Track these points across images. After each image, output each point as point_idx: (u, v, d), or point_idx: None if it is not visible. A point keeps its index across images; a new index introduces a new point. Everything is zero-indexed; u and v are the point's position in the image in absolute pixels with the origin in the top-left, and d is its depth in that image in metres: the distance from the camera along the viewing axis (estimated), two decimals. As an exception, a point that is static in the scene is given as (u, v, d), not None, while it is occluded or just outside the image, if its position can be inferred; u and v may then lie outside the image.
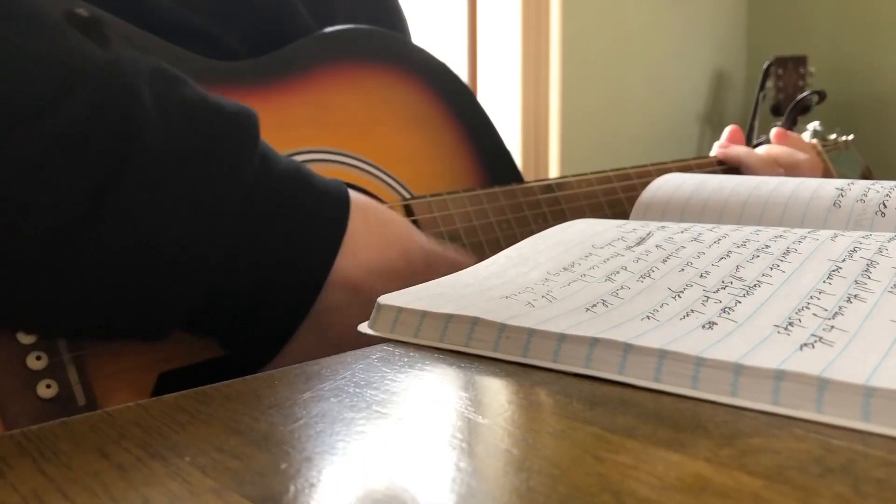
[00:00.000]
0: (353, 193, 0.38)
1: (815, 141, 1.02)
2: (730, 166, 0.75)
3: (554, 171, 2.06)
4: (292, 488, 0.17)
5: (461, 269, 0.39)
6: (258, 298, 0.34)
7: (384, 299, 0.30)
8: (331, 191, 0.37)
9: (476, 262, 0.40)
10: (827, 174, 0.93)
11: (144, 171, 0.30)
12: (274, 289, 0.35)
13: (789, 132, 0.79)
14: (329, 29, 0.53)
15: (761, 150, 0.76)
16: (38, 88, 0.29)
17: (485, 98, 2.04)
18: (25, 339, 0.33)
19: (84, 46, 0.31)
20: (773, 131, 0.79)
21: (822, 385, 0.19)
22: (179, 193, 0.31)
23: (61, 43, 0.30)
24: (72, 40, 0.31)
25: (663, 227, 0.36)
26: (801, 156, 0.75)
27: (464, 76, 2.03)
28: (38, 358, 0.33)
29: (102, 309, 0.31)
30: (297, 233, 0.35)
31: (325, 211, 0.36)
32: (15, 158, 0.28)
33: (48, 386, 0.33)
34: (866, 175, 1.09)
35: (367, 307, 0.36)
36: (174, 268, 0.31)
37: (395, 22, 0.64)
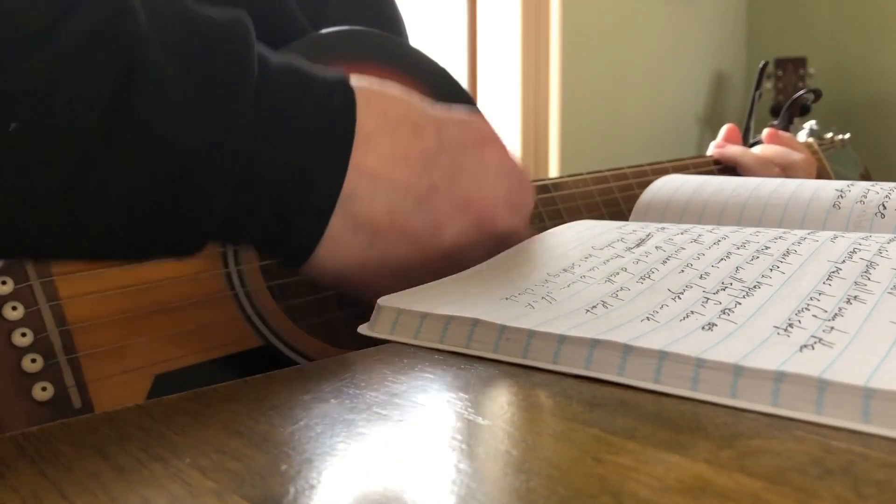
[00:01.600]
0: (353, 78, 0.39)
1: (811, 140, 1.02)
2: (726, 166, 0.76)
3: (554, 172, 2.06)
4: (292, 490, 0.17)
5: (469, 128, 0.40)
6: (285, 192, 0.35)
7: (384, 301, 0.30)
8: (332, 81, 0.37)
9: (486, 122, 0.41)
10: (822, 173, 0.93)
11: (152, 82, 0.30)
12: (300, 177, 0.35)
13: (781, 132, 0.79)
14: (324, 30, 0.53)
15: (756, 150, 0.76)
16: (36, 11, 0.29)
17: (485, 98, 2.05)
18: (20, 339, 0.33)
19: None
20: (765, 132, 0.80)
21: (821, 386, 0.19)
22: (190, 98, 0.31)
23: None
24: None
25: (663, 228, 0.36)
26: (796, 155, 0.75)
27: (464, 76, 2.03)
28: (34, 360, 0.33)
29: (133, 225, 0.32)
30: (310, 123, 0.35)
31: (331, 101, 0.36)
32: (24, 84, 0.28)
33: (44, 388, 0.33)
34: (865, 176, 1.09)
35: (389, 193, 0.37)
36: (199, 169, 0.32)
37: (391, 23, 0.64)
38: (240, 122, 0.33)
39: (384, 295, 0.32)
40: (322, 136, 0.36)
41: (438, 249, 0.39)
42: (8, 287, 0.33)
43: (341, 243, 0.37)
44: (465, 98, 0.59)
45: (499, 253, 0.40)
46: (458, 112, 0.42)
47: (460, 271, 0.39)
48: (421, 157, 0.38)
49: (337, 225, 0.36)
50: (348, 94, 0.37)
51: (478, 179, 0.40)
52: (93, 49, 0.29)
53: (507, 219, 0.41)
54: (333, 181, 0.36)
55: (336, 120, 0.36)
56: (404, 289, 0.33)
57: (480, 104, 0.61)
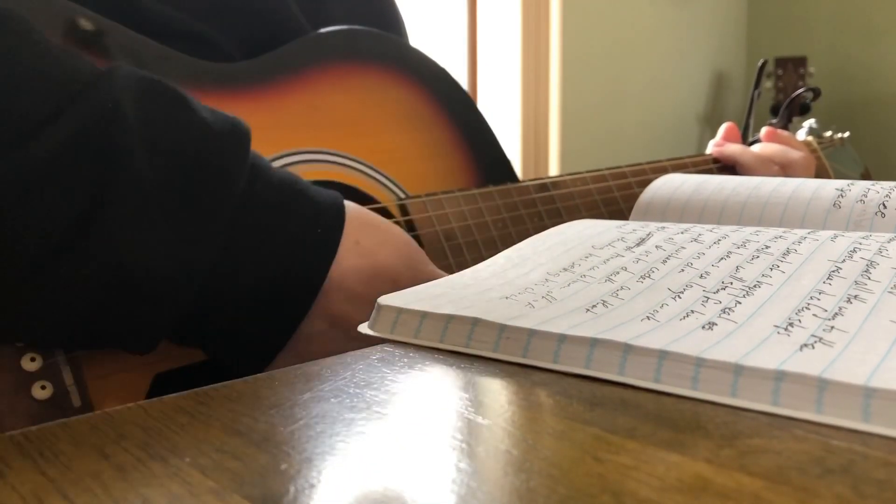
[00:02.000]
0: (350, 208, 0.37)
1: (810, 138, 1.02)
2: (725, 164, 0.75)
3: (554, 172, 2.06)
4: (292, 489, 0.17)
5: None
6: (241, 320, 0.34)
7: (384, 300, 0.30)
8: (324, 208, 0.36)
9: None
10: (822, 171, 0.93)
11: (128, 199, 0.30)
12: (257, 311, 0.34)
13: (779, 131, 0.79)
14: (323, 30, 0.53)
15: (756, 149, 0.76)
16: (23, 110, 0.29)
17: (485, 99, 2.04)
18: (20, 343, 0.33)
19: (72, 63, 0.31)
20: (763, 130, 0.80)
21: (821, 386, 0.19)
22: (164, 219, 0.31)
23: (47, 61, 0.30)
24: (59, 58, 0.30)
25: (663, 227, 0.36)
26: (794, 153, 0.75)
27: (464, 77, 2.03)
28: (33, 359, 0.33)
29: (89, 326, 0.32)
30: (284, 255, 0.34)
31: (315, 231, 0.35)
32: (5, 178, 0.28)
33: (43, 387, 0.33)
34: (865, 175, 1.09)
35: (347, 336, 0.35)
36: (158, 290, 0.31)
37: (391, 23, 0.64)
38: (207, 247, 0.32)
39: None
40: (294, 270, 0.34)
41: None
42: (8, 286, 0.33)
43: (279, 365, 0.36)
44: (464, 98, 0.59)
45: None
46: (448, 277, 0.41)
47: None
48: None
49: (281, 360, 0.36)
50: (336, 228, 0.35)
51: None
52: (73, 155, 0.29)
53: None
54: (290, 321, 0.35)
55: (314, 255, 0.35)
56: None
57: (480, 106, 0.61)
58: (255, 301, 0.34)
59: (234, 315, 0.34)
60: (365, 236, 0.37)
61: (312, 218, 0.35)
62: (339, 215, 0.36)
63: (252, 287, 0.34)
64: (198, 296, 0.32)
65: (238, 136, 0.34)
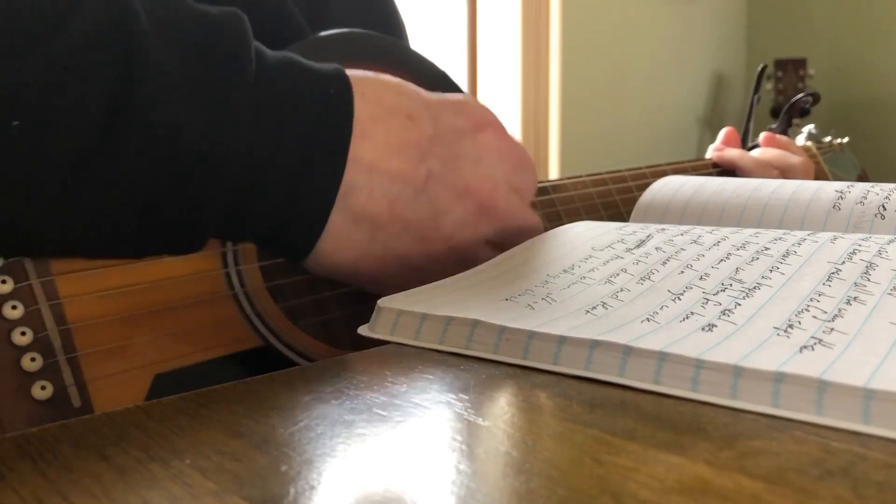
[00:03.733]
0: (348, 70, 0.39)
1: (809, 143, 1.02)
2: (724, 169, 0.76)
3: (554, 173, 2.06)
4: (292, 491, 0.17)
5: (465, 112, 0.40)
6: (284, 187, 0.35)
7: (384, 302, 0.30)
8: (328, 74, 0.37)
9: (482, 105, 0.41)
10: (821, 176, 0.93)
11: (153, 81, 0.31)
12: (300, 172, 0.35)
13: (778, 136, 0.80)
14: (324, 32, 0.53)
15: (755, 154, 0.77)
16: (40, 11, 0.29)
17: (485, 99, 2.05)
18: (20, 338, 0.33)
19: None
20: (762, 135, 0.80)
21: (821, 387, 0.19)
22: (190, 96, 0.31)
23: None
24: None
25: (663, 229, 0.36)
26: (794, 158, 0.75)
27: (464, 78, 2.03)
28: (33, 359, 0.33)
29: (136, 223, 0.32)
30: (308, 117, 0.35)
31: (328, 94, 0.36)
32: (28, 82, 0.28)
33: (43, 387, 0.33)
34: (862, 177, 1.09)
35: (388, 183, 0.37)
36: (200, 168, 0.32)
37: (391, 25, 0.64)
38: (239, 115, 0.33)
39: (390, 285, 0.31)
40: (319, 130, 0.36)
41: (440, 238, 0.39)
42: (8, 286, 0.33)
43: (343, 237, 0.37)
44: None
45: (503, 237, 0.40)
46: (452, 97, 0.42)
47: (463, 259, 0.39)
48: (416, 145, 0.37)
49: (337, 219, 0.36)
50: (344, 86, 0.37)
51: (475, 165, 0.39)
52: (94, 47, 0.30)
53: (508, 202, 0.40)
54: (332, 175, 0.36)
55: (333, 113, 0.36)
56: (409, 279, 0.33)
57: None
58: (296, 163, 0.35)
59: (279, 180, 0.34)
60: (368, 88, 0.38)
61: (322, 84, 0.36)
62: (344, 78, 0.38)
63: (289, 150, 0.34)
64: (241, 168, 0.33)
65: (239, 21, 0.35)
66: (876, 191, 0.41)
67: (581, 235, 0.37)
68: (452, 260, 0.39)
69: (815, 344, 0.22)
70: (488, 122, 0.41)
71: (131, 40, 0.30)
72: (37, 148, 0.29)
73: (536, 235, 0.39)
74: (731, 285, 0.28)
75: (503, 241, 0.41)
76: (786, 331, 0.23)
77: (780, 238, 0.32)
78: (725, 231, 0.34)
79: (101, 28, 0.30)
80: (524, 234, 0.40)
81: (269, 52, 0.36)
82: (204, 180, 0.32)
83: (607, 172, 0.64)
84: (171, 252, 0.34)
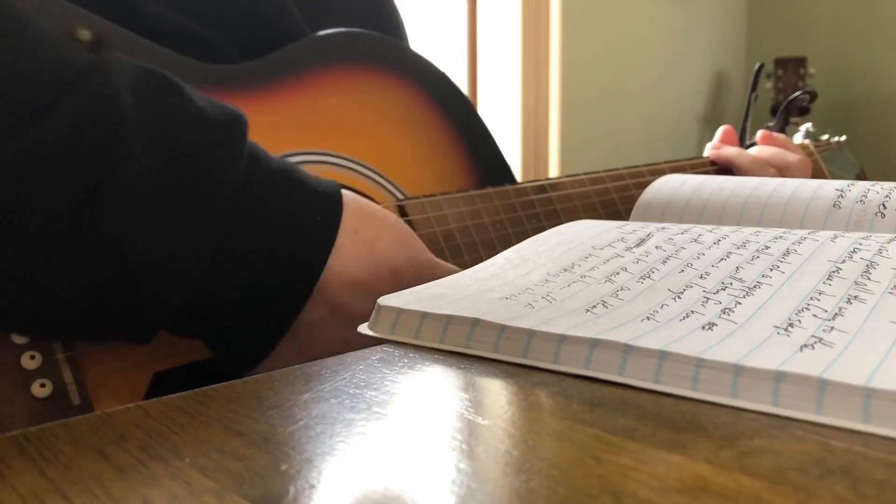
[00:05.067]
0: (348, 198, 0.37)
1: (807, 142, 1.02)
2: (722, 167, 0.76)
3: (554, 173, 2.06)
4: (292, 489, 0.17)
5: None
6: (241, 309, 0.34)
7: (384, 300, 0.30)
8: (323, 197, 0.36)
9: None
10: (818, 174, 0.93)
11: (127, 186, 0.30)
12: (257, 300, 0.34)
13: (774, 134, 0.80)
14: (322, 32, 0.53)
15: (753, 152, 0.77)
16: (21, 100, 0.29)
17: (485, 100, 2.05)
18: (18, 338, 0.33)
19: (69, 53, 0.31)
20: (759, 133, 0.80)
21: (822, 386, 0.19)
22: (162, 207, 0.31)
23: (46, 51, 0.30)
24: (57, 48, 0.31)
25: (663, 228, 0.36)
26: (791, 156, 0.75)
27: (464, 78, 2.03)
28: (33, 357, 0.33)
29: (87, 315, 0.32)
30: (283, 243, 0.34)
31: (314, 219, 0.35)
32: (4, 164, 0.28)
33: (42, 385, 0.33)
34: (861, 176, 1.09)
35: (348, 324, 0.35)
36: (157, 279, 0.31)
37: (391, 26, 0.64)
38: (206, 237, 0.32)
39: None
40: (294, 256, 0.34)
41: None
42: (8, 287, 0.33)
43: (283, 358, 0.36)
44: (463, 101, 0.59)
45: None
46: (446, 265, 0.41)
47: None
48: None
49: (286, 345, 0.36)
50: (334, 216, 0.35)
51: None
52: (72, 144, 0.29)
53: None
54: (292, 307, 0.35)
55: (313, 242, 0.35)
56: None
57: (480, 107, 0.61)
58: (256, 289, 0.34)
59: (234, 304, 0.34)
60: (364, 225, 0.37)
61: (311, 207, 0.35)
62: (338, 204, 0.36)
63: (252, 275, 0.34)
64: (198, 284, 0.32)
65: (235, 125, 0.34)
66: (876, 189, 0.41)
67: (581, 234, 0.37)
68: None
69: (815, 343, 0.22)
70: None
71: (111, 142, 0.30)
72: (2, 232, 0.28)
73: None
74: (731, 284, 0.28)
75: None
76: (786, 329, 0.23)
77: (780, 237, 0.32)
78: (726, 230, 0.34)
79: (83, 123, 0.29)
80: None
81: (267, 162, 0.35)
82: (156, 290, 0.31)
83: (605, 171, 0.64)
84: (124, 340, 0.34)
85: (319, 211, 0.35)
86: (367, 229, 0.37)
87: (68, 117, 0.29)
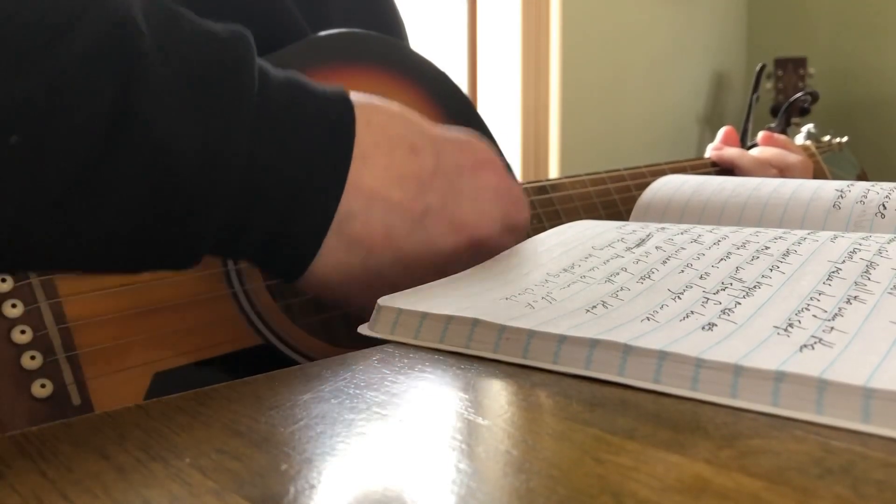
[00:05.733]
0: (355, 96, 0.39)
1: (808, 143, 1.02)
2: (723, 168, 0.76)
3: (554, 173, 2.06)
4: (292, 489, 0.17)
5: (467, 150, 0.41)
6: (282, 205, 0.35)
7: (384, 301, 0.30)
8: (333, 97, 0.37)
9: (483, 140, 0.41)
10: (820, 175, 0.93)
11: (154, 95, 0.31)
12: (296, 195, 0.35)
13: (776, 135, 0.80)
14: (322, 32, 0.53)
15: (754, 153, 0.77)
16: (39, 26, 0.29)
17: (485, 100, 2.05)
18: (19, 338, 0.33)
19: None
20: (760, 135, 0.80)
21: (821, 386, 0.19)
22: (191, 111, 0.31)
23: None
24: None
25: (663, 228, 0.36)
26: (792, 157, 0.76)
27: (464, 78, 2.03)
28: (33, 357, 0.33)
29: (133, 238, 0.32)
30: (308, 139, 0.35)
31: (330, 117, 0.37)
32: (27, 98, 0.28)
33: (42, 385, 0.33)
34: (862, 177, 1.09)
35: (385, 213, 0.37)
36: (198, 183, 0.32)
37: (391, 26, 0.64)
38: (239, 135, 0.33)
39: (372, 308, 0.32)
40: (320, 153, 0.36)
41: (432, 269, 0.39)
42: (7, 285, 0.33)
43: (335, 260, 0.37)
44: (464, 101, 0.59)
45: None
46: (456, 133, 0.42)
47: None
48: (417, 177, 0.38)
49: (332, 242, 0.36)
50: (347, 111, 0.37)
51: (473, 202, 0.40)
52: (94, 61, 0.29)
53: (500, 242, 0.41)
54: (330, 199, 0.36)
55: (335, 137, 0.36)
56: None
57: (480, 107, 0.61)
58: (293, 185, 0.35)
59: (275, 201, 0.34)
60: (373, 115, 0.38)
61: (325, 106, 0.37)
62: (348, 101, 0.38)
63: (287, 172, 0.34)
64: (238, 186, 0.33)
65: (243, 38, 0.35)
66: (876, 190, 0.41)
67: (581, 234, 0.37)
68: None
69: (815, 343, 0.22)
70: (489, 160, 0.42)
71: (132, 57, 0.30)
72: (34, 163, 0.28)
73: None
74: (731, 284, 0.28)
75: None
76: (786, 330, 0.23)
77: (780, 237, 0.32)
78: (725, 230, 0.34)
79: (103, 44, 0.30)
80: None
81: (273, 71, 0.36)
82: (201, 195, 0.32)
83: (606, 172, 0.64)
84: (167, 267, 0.34)
85: (333, 109, 0.37)
86: (377, 118, 0.38)
87: (87, 38, 0.29)
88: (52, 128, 0.29)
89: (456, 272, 0.39)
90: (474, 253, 0.40)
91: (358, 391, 0.23)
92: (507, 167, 0.44)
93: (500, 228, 0.41)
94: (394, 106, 0.40)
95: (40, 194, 0.29)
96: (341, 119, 0.37)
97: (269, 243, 0.36)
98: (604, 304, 0.28)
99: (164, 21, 0.33)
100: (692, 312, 0.26)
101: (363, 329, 0.30)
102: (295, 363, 0.40)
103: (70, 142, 0.29)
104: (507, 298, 0.29)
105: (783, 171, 0.74)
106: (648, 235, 0.35)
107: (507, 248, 0.41)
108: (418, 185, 0.38)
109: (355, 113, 0.37)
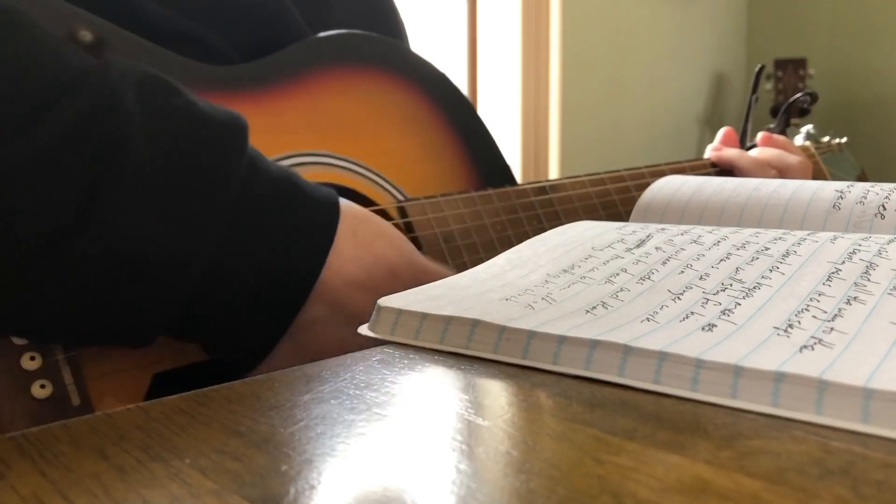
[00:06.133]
0: (345, 204, 0.38)
1: (807, 143, 1.02)
2: (723, 169, 0.76)
3: (554, 174, 2.06)
4: (292, 490, 0.17)
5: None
6: (241, 308, 0.35)
7: (384, 301, 0.30)
8: (320, 201, 0.37)
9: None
10: (819, 176, 0.93)
11: (129, 184, 0.30)
12: (257, 300, 0.35)
13: (775, 136, 0.80)
14: (323, 34, 0.53)
15: (753, 153, 0.77)
16: (22, 101, 0.29)
17: (485, 101, 2.05)
18: (18, 340, 0.33)
19: (71, 56, 0.31)
20: (759, 135, 0.80)
21: (821, 387, 0.19)
22: (164, 205, 0.31)
23: (47, 53, 0.30)
24: (58, 50, 0.31)
25: (663, 229, 0.36)
26: (792, 158, 0.76)
27: (464, 79, 2.03)
28: (33, 358, 0.33)
29: (87, 318, 0.32)
30: (283, 244, 0.35)
31: (313, 222, 0.36)
32: (6, 166, 0.28)
33: (42, 386, 0.33)
34: (861, 177, 1.09)
35: (347, 323, 0.36)
36: (158, 278, 0.31)
37: (392, 27, 0.64)
38: (206, 240, 0.32)
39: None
40: (294, 258, 0.35)
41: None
42: (8, 287, 0.33)
43: (282, 361, 0.36)
44: (464, 103, 0.59)
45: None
46: (440, 269, 0.42)
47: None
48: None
49: (285, 346, 0.36)
50: (332, 220, 0.36)
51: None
52: (75, 141, 0.29)
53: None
54: (290, 309, 0.35)
55: (313, 243, 0.36)
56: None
57: (480, 108, 0.61)
58: (255, 289, 0.34)
59: (233, 304, 0.34)
60: (361, 227, 0.38)
61: (310, 210, 0.36)
62: (335, 207, 0.37)
63: (252, 275, 0.34)
64: (198, 285, 0.33)
65: (236, 127, 0.34)
66: (876, 190, 0.41)
67: (581, 235, 0.37)
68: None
69: (815, 344, 0.22)
70: None
71: (113, 143, 0.30)
72: (2, 232, 0.28)
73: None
74: (731, 285, 0.28)
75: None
76: (786, 330, 0.23)
77: (780, 238, 0.32)
78: (725, 231, 0.34)
79: (86, 125, 0.29)
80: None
81: (268, 166, 0.35)
82: (158, 289, 0.32)
83: (606, 173, 0.64)
84: (122, 344, 0.34)
85: (318, 214, 0.36)
86: (364, 232, 0.38)
87: (68, 117, 0.29)
88: (24, 201, 0.28)
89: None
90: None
91: (358, 392, 0.23)
92: None
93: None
94: (384, 225, 0.39)
95: (4, 262, 0.29)
96: (322, 228, 0.36)
97: (222, 341, 0.35)
98: (604, 304, 0.28)
99: (158, 98, 0.32)
100: (692, 313, 0.26)
101: (363, 330, 0.30)
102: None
103: (39, 218, 0.29)
104: (507, 299, 0.29)
105: (782, 171, 0.74)
106: (648, 236, 0.35)
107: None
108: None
109: (340, 223, 0.37)
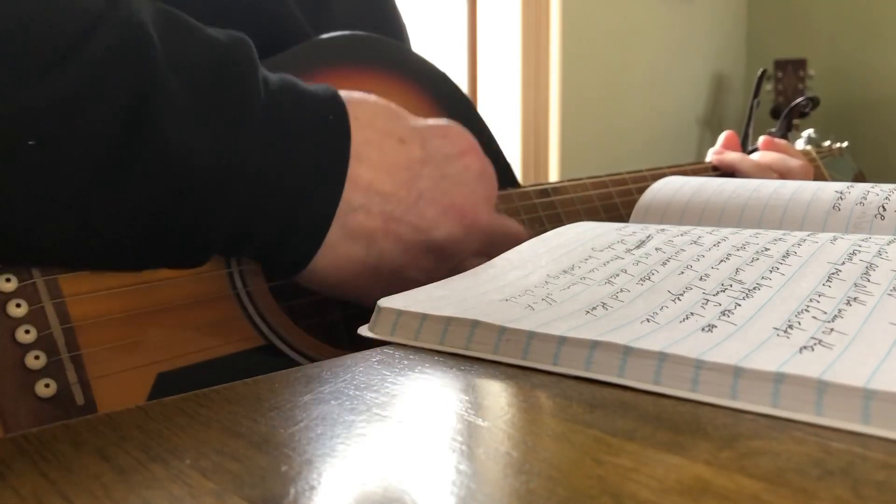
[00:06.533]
0: (343, 94, 0.40)
1: (808, 147, 1.03)
2: (724, 172, 0.76)
3: (554, 176, 2.06)
4: (292, 491, 0.17)
5: (450, 138, 0.43)
6: (287, 208, 0.36)
7: (384, 302, 0.30)
8: (325, 97, 0.39)
9: (464, 130, 0.43)
10: (820, 180, 0.93)
11: (167, 100, 0.32)
12: (299, 197, 0.36)
13: (776, 140, 0.80)
14: (325, 35, 0.53)
15: (755, 157, 0.77)
16: (56, 34, 0.30)
17: (485, 102, 2.05)
18: (23, 337, 0.33)
19: None
20: (761, 139, 0.80)
21: (821, 388, 0.19)
22: (201, 120, 0.33)
23: None
24: None
25: (663, 229, 0.36)
26: (793, 162, 0.76)
27: (464, 80, 2.03)
28: (37, 357, 0.33)
29: (144, 238, 0.33)
30: (310, 141, 0.37)
31: (328, 118, 0.38)
32: (44, 103, 0.29)
33: (47, 385, 0.33)
34: (859, 177, 1.09)
35: (382, 203, 0.39)
36: (209, 187, 0.33)
37: (394, 28, 0.64)
38: (249, 139, 0.34)
39: (381, 297, 0.32)
40: (321, 153, 0.37)
41: (430, 251, 0.41)
42: (12, 284, 0.33)
43: (338, 253, 0.38)
44: (464, 102, 0.59)
45: (489, 246, 0.43)
46: (437, 122, 0.44)
47: (454, 270, 0.40)
48: (407, 167, 0.40)
49: (334, 236, 0.38)
50: (341, 111, 0.39)
51: (462, 186, 0.42)
52: (109, 70, 0.30)
53: (489, 216, 0.43)
54: (332, 195, 0.38)
55: (333, 137, 0.38)
56: (401, 290, 0.33)
57: (481, 108, 0.61)
58: (298, 188, 0.36)
59: (283, 204, 0.36)
60: (360, 112, 0.40)
61: (321, 108, 0.38)
62: (340, 101, 0.39)
63: (292, 176, 0.36)
64: (249, 194, 0.34)
65: (247, 47, 0.36)
66: (876, 191, 0.41)
67: (581, 236, 0.37)
68: (444, 272, 0.41)
69: (814, 344, 0.22)
70: (471, 146, 0.44)
71: (145, 65, 0.31)
72: (50, 166, 0.29)
73: (520, 239, 0.40)
74: (730, 286, 0.28)
75: (490, 250, 0.43)
76: (786, 331, 0.23)
77: (779, 238, 0.32)
78: (725, 232, 0.35)
79: (117, 52, 0.31)
80: (509, 241, 0.42)
81: (270, 76, 0.37)
82: (212, 200, 0.33)
83: (608, 175, 0.65)
84: (175, 266, 0.36)
85: (329, 109, 0.38)
86: (363, 114, 0.40)
87: (104, 44, 0.30)
88: (70, 131, 0.29)
89: (452, 251, 0.41)
90: (468, 231, 0.42)
91: (358, 392, 0.23)
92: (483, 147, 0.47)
93: (486, 207, 0.43)
94: (377, 100, 0.42)
95: (56, 194, 0.30)
96: (337, 121, 0.38)
97: (274, 241, 0.37)
98: (604, 305, 0.28)
99: (168, 28, 0.34)
100: (692, 314, 0.26)
101: (363, 330, 0.30)
102: (296, 364, 0.40)
103: (86, 145, 0.30)
104: (507, 300, 0.29)
105: (784, 175, 0.75)
106: (648, 237, 0.35)
107: (498, 222, 0.44)
108: (409, 175, 0.40)
109: (348, 113, 0.39)
